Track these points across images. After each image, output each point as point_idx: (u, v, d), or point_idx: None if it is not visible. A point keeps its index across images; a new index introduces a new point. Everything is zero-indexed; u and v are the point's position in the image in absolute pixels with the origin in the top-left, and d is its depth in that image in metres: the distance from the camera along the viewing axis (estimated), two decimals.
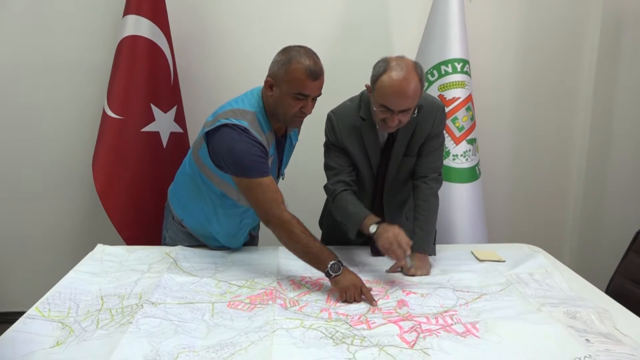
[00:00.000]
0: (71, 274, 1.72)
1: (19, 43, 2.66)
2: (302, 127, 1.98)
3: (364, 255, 1.96)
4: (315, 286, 1.70)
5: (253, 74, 2.42)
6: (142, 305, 1.50)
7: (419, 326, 1.42)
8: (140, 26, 2.47)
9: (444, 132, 2.45)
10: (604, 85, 2.91)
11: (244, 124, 1.73)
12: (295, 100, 1.72)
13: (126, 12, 2.48)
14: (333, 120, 1.87)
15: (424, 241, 1.84)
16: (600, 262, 2.68)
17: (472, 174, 2.52)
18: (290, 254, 1.91)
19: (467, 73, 2.50)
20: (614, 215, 3.02)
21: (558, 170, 3.06)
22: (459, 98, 2.47)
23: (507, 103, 2.96)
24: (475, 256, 1.95)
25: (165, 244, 2.08)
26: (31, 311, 1.47)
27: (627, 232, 2.13)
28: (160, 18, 2.54)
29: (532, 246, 2.06)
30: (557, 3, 2.85)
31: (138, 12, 2.47)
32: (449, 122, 2.46)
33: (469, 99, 2.50)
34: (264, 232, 2.30)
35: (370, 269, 1.84)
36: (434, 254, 1.87)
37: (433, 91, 2.50)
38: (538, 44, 2.89)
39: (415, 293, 1.65)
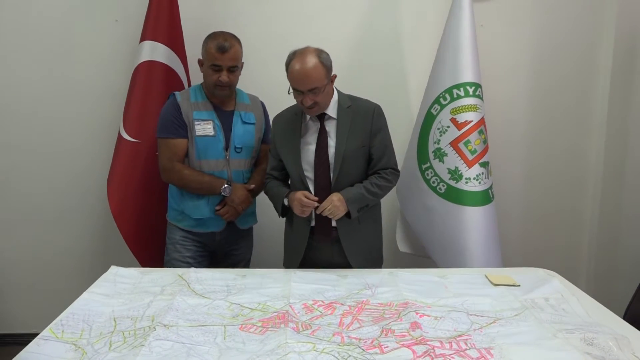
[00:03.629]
0: (85, 296, 1.73)
1: (40, 68, 2.73)
2: None
3: (374, 278, 1.95)
4: (327, 310, 1.69)
5: (268, 96, 2.45)
6: (154, 327, 1.50)
7: (432, 351, 1.40)
8: (156, 51, 2.53)
9: (457, 154, 2.47)
10: (618, 107, 2.88)
11: (176, 93, 2.27)
12: (212, 71, 2.17)
13: (143, 38, 2.54)
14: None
15: (351, 193, 2.01)
16: (618, 287, 2.63)
17: (485, 197, 2.50)
18: (303, 278, 1.92)
19: (479, 97, 2.50)
20: (631, 238, 2.96)
21: (573, 192, 3.02)
22: (471, 121, 2.47)
23: (520, 126, 2.95)
24: (489, 280, 1.93)
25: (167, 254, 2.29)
26: (45, 332, 1.48)
27: None
28: (176, 43, 2.59)
29: (548, 270, 2.03)
30: (569, 26, 2.85)
31: (154, 38, 2.53)
32: (461, 145, 2.46)
33: (482, 122, 2.50)
34: (276, 255, 2.31)
35: (381, 292, 1.83)
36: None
37: (445, 114, 2.50)
38: (550, 67, 2.89)
39: (428, 316, 1.63)
